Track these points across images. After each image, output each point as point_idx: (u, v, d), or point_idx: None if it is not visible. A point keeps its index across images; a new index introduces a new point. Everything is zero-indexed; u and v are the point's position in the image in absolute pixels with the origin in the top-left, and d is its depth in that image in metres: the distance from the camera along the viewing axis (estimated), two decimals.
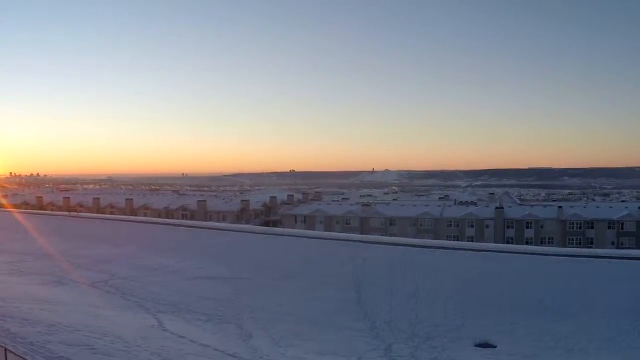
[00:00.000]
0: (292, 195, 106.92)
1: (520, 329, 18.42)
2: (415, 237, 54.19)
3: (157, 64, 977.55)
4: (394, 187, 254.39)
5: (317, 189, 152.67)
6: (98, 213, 74.50)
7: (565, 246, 61.55)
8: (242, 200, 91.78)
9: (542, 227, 70.44)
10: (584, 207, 77.86)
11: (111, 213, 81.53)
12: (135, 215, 76.71)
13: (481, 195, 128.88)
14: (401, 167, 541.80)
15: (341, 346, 16.49)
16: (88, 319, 16.13)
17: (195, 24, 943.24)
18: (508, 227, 71.40)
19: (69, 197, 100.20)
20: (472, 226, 72.31)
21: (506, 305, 20.75)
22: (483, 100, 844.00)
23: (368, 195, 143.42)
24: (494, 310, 20.35)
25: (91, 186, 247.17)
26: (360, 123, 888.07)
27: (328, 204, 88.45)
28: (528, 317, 19.43)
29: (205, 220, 75.46)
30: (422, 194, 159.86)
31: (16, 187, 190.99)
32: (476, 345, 17.12)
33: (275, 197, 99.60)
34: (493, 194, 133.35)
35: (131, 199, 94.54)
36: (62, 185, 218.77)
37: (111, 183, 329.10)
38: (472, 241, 62.90)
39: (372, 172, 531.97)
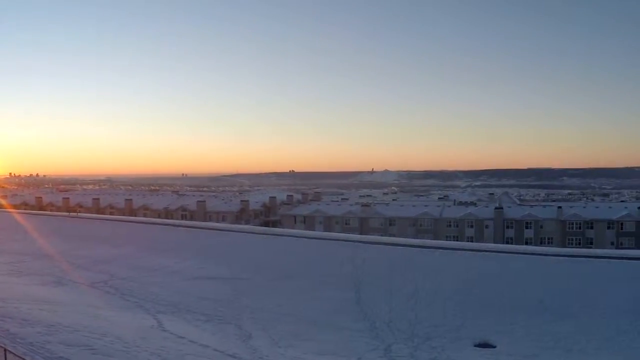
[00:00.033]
0: (292, 195, 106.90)
1: (520, 329, 18.44)
2: (414, 238, 54.19)
3: (157, 64, 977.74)
4: (393, 188, 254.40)
5: (317, 189, 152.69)
6: (97, 213, 74.40)
7: (564, 246, 61.56)
8: (241, 201, 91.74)
9: (541, 227, 70.47)
10: (584, 207, 77.92)
11: (111, 213, 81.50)
12: (135, 216, 76.70)
13: (481, 196, 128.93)
14: (401, 167, 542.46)
15: (341, 346, 16.50)
16: (87, 319, 16.12)
17: (195, 24, 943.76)
18: (508, 227, 71.43)
19: (68, 198, 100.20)
20: (471, 226, 72.33)
21: (506, 306, 20.76)
22: (482, 101, 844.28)
23: (367, 195, 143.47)
24: (493, 310, 20.36)
25: (90, 187, 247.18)
26: (360, 123, 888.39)
27: (327, 205, 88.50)
28: (527, 317, 19.44)
29: (204, 220, 75.40)
30: (422, 194, 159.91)
31: (16, 187, 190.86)
32: (476, 346, 17.14)
33: (274, 197, 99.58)
34: (492, 194, 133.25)
35: (130, 200, 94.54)
36: (62, 186, 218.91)
37: (111, 183, 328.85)
38: (472, 241, 62.95)
39: (372, 172, 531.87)
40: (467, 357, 16.03)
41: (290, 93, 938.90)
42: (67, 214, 57.67)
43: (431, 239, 51.93)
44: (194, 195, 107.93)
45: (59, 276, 26.27)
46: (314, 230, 65.42)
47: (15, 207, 75.79)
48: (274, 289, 24.08)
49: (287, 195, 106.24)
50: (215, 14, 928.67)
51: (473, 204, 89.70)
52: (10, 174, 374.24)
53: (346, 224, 76.19)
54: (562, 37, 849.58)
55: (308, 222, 77.77)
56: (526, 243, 65.86)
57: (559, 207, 74.41)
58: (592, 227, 68.71)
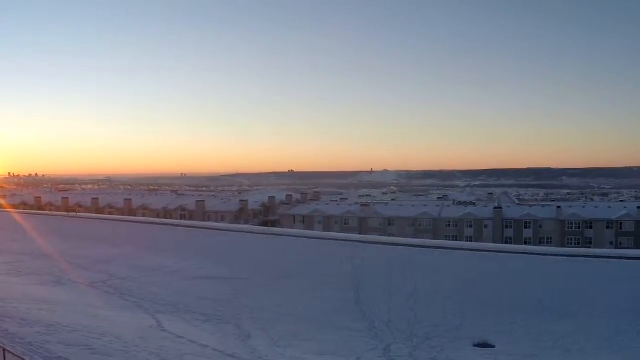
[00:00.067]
0: (291, 195, 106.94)
1: (519, 329, 18.44)
2: (414, 237, 54.25)
3: (157, 64, 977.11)
4: (392, 187, 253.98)
5: (316, 189, 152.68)
6: (97, 213, 74.37)
7: (564, 246, 61.63)
8: (240, 201, 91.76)
9: (540, 227, 70.53)
10: (583, 207, 78.03)
11: (110, 213, 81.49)
12: (134, 216, 76.70)
13: (480, 196, 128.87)
14: (400, 167, 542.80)
15: (340, 346, 16.49)
16: (87, 319, 16.11)
17: (195, 24, 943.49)
18: (507, 227, 71.47)
19: (67, 198, 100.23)
20: (470, 226, 72.37)
21: (505, 305, 20.76)
22: (482, 100, 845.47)
23: (367, 195, 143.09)
24: (492, 310, 20.36)
25: (90, 186, 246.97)
26: (359, 123, 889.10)
27: (327, 204, 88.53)
28: (527, 317, 19.44)
29: (203, 220, 75.41)
30: (421, 194, 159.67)
31: (15, 187, 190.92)
32: (475, 345, 17.14)
33: (274, 197, 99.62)
34: (492, 194, 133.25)
35: (130, 199, 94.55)
36: (61, 186, 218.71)
37: (110, 183, 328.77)
38: (471, 241, 62.99)
39: (371, 172, 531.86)
40: (467, 357, 16.03)
41: (289, 93, 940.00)
42: (67, 213, 57.61)
43: (430, 239, 51.92)
44: (193, 195, 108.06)
45: (58, 276, 26.25)
46: (313, 230, 65.42)
47: (14, 206, 75.76)
48: (274, 288, 24.06)
49: (286, 195, 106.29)
50: (214, 14, 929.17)
51: (472, 203, 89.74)
52: (9, 173, 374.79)
53: (345, 223, 76.20)
54: (561, 37, 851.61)
55: (307, 222, 77.76)
56: (525, 243, 65.92)
57: (558, 207, 74.48)
58: (591, 227, 68.78)
